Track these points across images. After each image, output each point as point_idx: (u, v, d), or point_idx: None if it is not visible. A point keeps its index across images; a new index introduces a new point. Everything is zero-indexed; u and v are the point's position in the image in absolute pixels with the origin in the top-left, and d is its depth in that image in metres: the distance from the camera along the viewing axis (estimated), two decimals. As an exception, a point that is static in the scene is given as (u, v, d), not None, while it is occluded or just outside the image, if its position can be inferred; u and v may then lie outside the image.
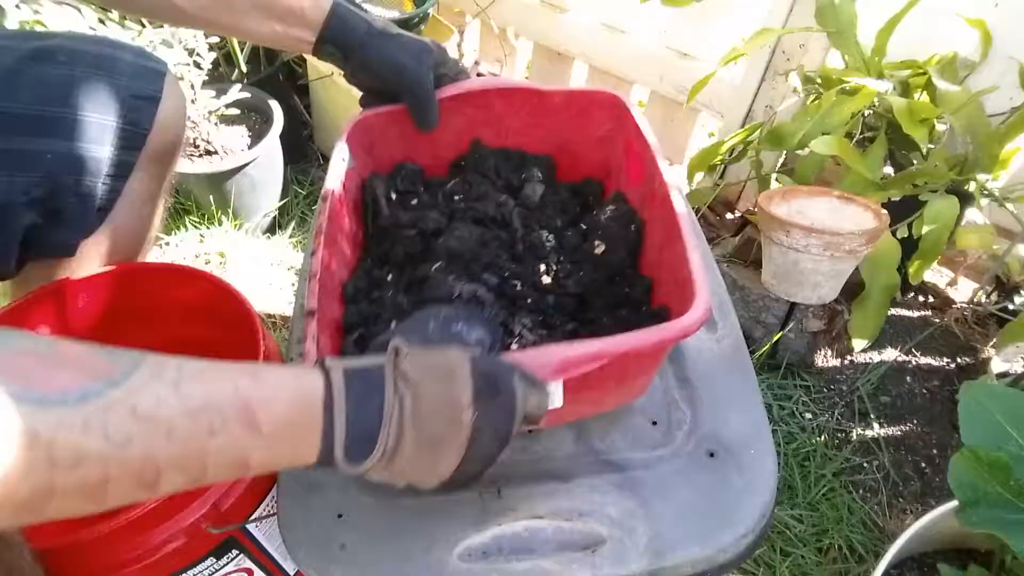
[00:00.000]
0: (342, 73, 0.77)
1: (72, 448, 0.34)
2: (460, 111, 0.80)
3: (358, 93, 1.23)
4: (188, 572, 0.73)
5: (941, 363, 1.36)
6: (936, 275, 1.50)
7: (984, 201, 1.18)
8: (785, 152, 1.49)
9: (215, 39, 1.48)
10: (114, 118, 0.77)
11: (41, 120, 0.73)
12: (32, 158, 0.73)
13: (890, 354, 1.36)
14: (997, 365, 1.29)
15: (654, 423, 0.66)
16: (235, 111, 1.50)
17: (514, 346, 0.62)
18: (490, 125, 0.82)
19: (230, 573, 0.78)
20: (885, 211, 1.05)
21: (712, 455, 0.63)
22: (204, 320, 0.90)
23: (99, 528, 0.62)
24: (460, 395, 0.46)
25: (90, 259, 0.86)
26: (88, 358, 0.37)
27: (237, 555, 0.78)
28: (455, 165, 0.85)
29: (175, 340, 0.92)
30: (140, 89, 0.80)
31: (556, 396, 0.52)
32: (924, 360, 1.36)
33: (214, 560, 0.75)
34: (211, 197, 1.46)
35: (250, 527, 0.77)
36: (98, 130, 0.76)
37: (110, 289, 0.87)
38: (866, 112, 1.25)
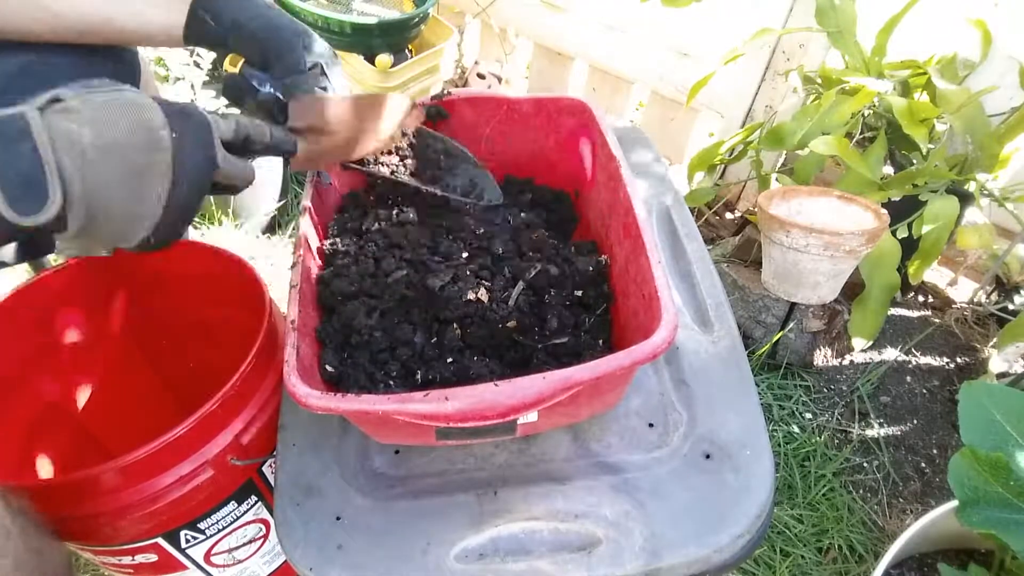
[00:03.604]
0: (215, 49, 0.72)
1: None
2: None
3: (359, 94, 1.18)
4: (214, 515, 0.76)
5: (941, 363, 1.36)
6: (936, 275, 1.50)
7: (984, 201, 1.18)
8: (785, 152, 1.49)
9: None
10: None
11: None
12: None
13: (890, 354, 1.36)
14: (997, 365, 1.29)
15: (651, 425, 0.66)
16: (235, 111, 1.50)
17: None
18: (463, 134, 0.83)
19: (249, 522, 0.81)
20: (885, 211, 1.05)
21: (708, 456, 0.63)
22: (216, 295, 0.93)
23: (130, 456, 0.64)
24: (152, 117, 0.45)
25: None
26: None
27: (256, 502, 0.80)
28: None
29: (192, 319, 0.98)
30: (119, 68, 0.79)
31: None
32: (924, 360, 1.36)
33: (235, 505, 0.78)
34: (211, 197, 1.46)
35: (266, 473, 0.80)
36: None
37: (132, 263, 0.92)
38: (866, 112, 1.25)
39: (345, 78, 0.70)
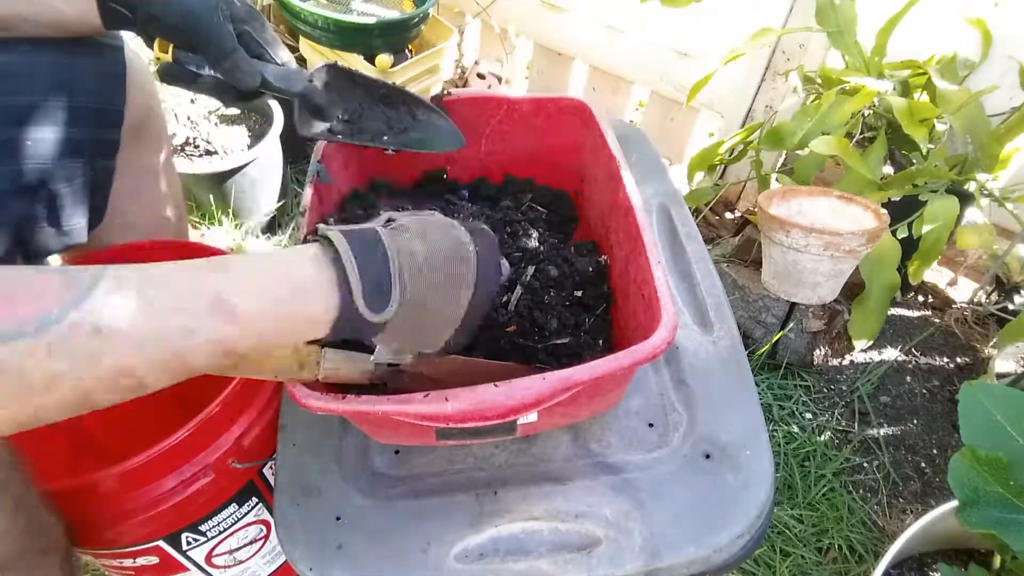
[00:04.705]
0: (136, 36, 0.68)
1: (42, 373, 0.35)
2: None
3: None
4: (215, 517, 0.76)
5: (941, 363, 1.36)
6: (936, 275, 1.50)
7: (984, 201, 1.18)
8: (785, 152, 1.49)
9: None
10: (85, 99, 0.77)
11: (15, 109, 0.72)
12: (12, 146, 0.72)
13: (890, 354, 1.36)
14: (997, 365, 1.29)
15: (651, 425, 0.66)
16: (235, 111, 1.50)
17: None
18: (464, 134, 0.83)
19: (251, 523, 0.81)
20: (885, 211, 1.05)
21: (708, 456, 0.63)
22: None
23: (131, 461, 0.64)
24: (461, 235, 0.53)
25: (113, 241, 0.88)
26: (44, 283, 0.37)
27: (257, 504, 0.81)
28: (421, 182, 0.87)
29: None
30: (104, 67, 0.79)
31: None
32: (924, 360, 1.36)
33: (236, 507, 0.78)
34: (211, 197, 1.46)
35: (267, 474, 0.80)
36: (72, 113, 0.76)
37: (131, 263, 0.90)
38: (866, 112, 1.25)
39: (276, 38, 0.68)
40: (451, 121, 0.79)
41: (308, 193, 0.72)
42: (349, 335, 0.47)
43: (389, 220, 0.52)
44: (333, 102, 0.72)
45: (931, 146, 1.18)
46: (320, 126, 0.72)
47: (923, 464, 1.22)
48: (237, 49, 0.63)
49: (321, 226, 0.48)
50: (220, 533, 0.78)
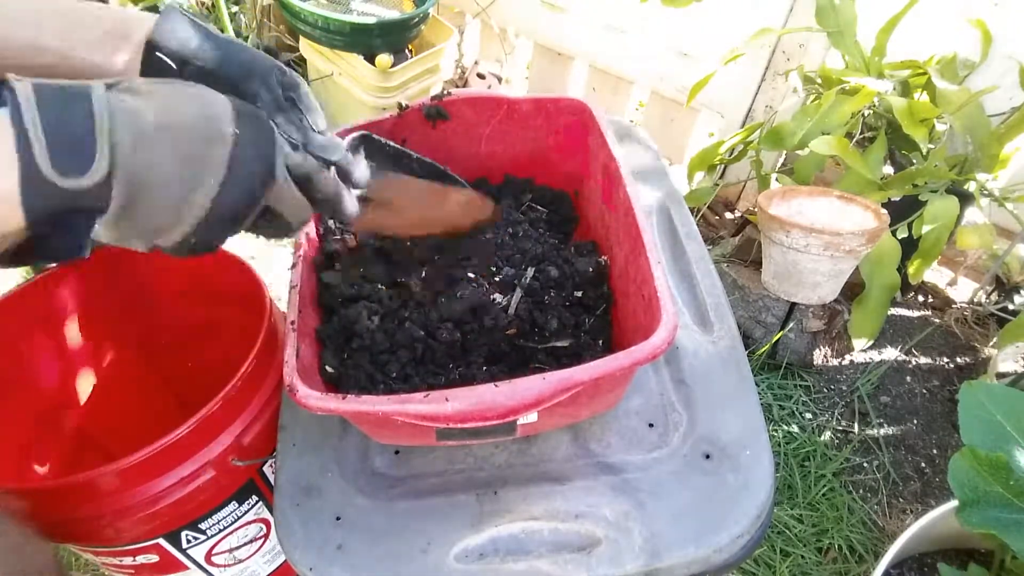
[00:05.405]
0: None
1: None
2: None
3: (359, 94, 1.18)
4: (215, 515, 0.76)
5: (941, 363, 1.36)
6: (936, 275, 1.50)
7: (984, 201, 1.18)
8: (785, 152, 1.50)
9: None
10: None
11: None
12: None
13: (890, 354, 1.36)
14: (997, 365, 1.29)
15: (651, 425, 0.66)
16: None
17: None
18: (463, 134, 0.83)
19: (251, 522, 0.81)
20: (885, 211, 1.05)
21: (708, 456, 0.63)
22: (216, 295, 0.93)
23: (131, 458, 0.64)
24: (220, 112, 0.44)
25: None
26: None
27: (257, 502, 0.81)
28: None
29: (192, 319, 0.99)
30: None
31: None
32: (924, 360, 1.36)
33: (236, 505, 0.78)
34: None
35: (267, 472, 0.80)
36: None
37: (132, 264, 0.92)
38: (866, 112, 1.25)
39: (317, 106, 0.65)
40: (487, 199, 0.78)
41: None
42: (56, 214, 0.40)
43: (123, 83, 0.43)
44: (364, 173, 0.71)
45: (931, 146, 1.18)
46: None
47: (923, 464, 1.22)
48: (288, 110, 0.60)
49: (11, 76, 0.39)
50: (220, 531, 0.78)
